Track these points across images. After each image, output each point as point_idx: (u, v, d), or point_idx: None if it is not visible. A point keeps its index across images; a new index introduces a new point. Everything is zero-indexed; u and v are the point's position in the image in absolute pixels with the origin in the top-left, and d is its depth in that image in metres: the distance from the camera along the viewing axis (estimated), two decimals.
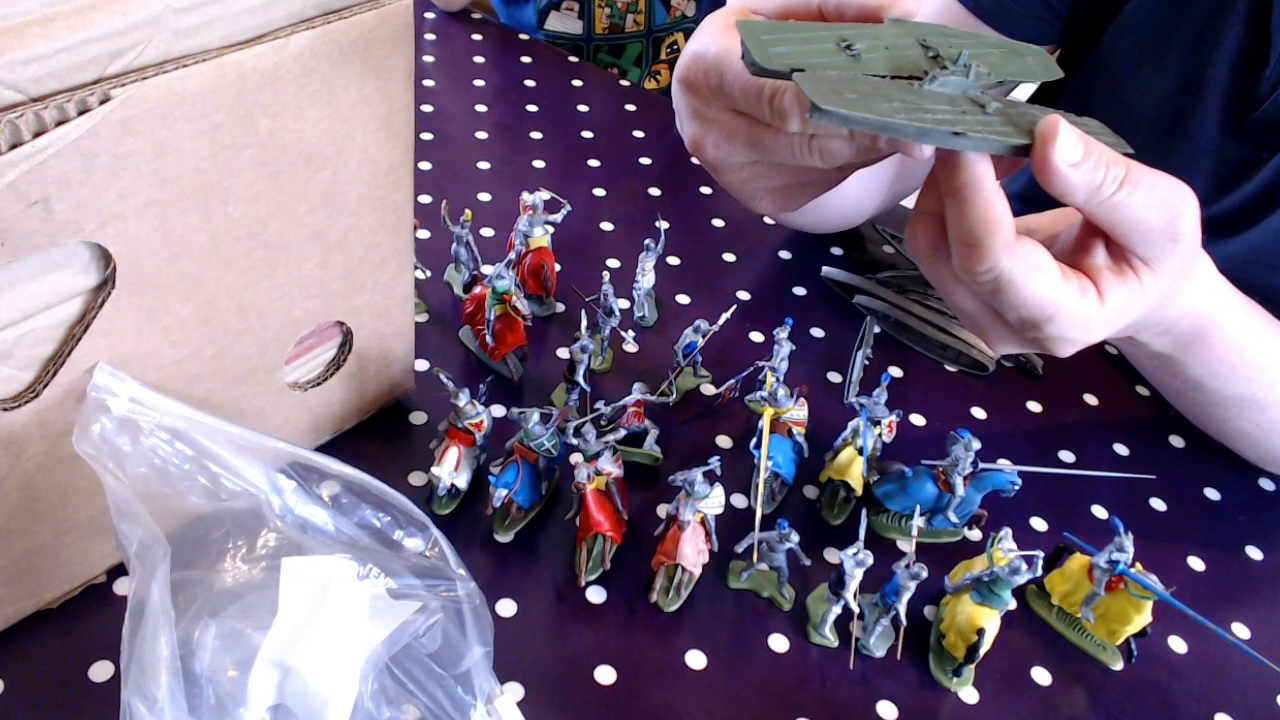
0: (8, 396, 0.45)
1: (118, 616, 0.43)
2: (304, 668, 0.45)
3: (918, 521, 0.61)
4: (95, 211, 0.42)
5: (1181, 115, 0.76)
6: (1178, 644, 0.64)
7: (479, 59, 1.05)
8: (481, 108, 0.98)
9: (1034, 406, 0.78)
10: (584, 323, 0.67)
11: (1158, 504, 0.72)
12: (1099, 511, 0.71)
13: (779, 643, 0.59)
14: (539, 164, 0.92)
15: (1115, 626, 0.60)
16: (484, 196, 0.87)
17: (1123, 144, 0.42)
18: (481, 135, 0.94)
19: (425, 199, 0.84)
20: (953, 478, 0.62)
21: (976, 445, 0.62)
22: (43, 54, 0.38)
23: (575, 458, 0.59)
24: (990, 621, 0.56)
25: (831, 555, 0.64)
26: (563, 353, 0.74)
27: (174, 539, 0.45)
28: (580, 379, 0.67)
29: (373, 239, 0.56)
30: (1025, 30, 0.77)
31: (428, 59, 1.03)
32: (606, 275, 0.72)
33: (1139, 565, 0.59)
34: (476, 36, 1.08)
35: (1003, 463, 0.72)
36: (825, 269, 0.84)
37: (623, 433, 0.64)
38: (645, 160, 0.95)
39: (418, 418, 0.68)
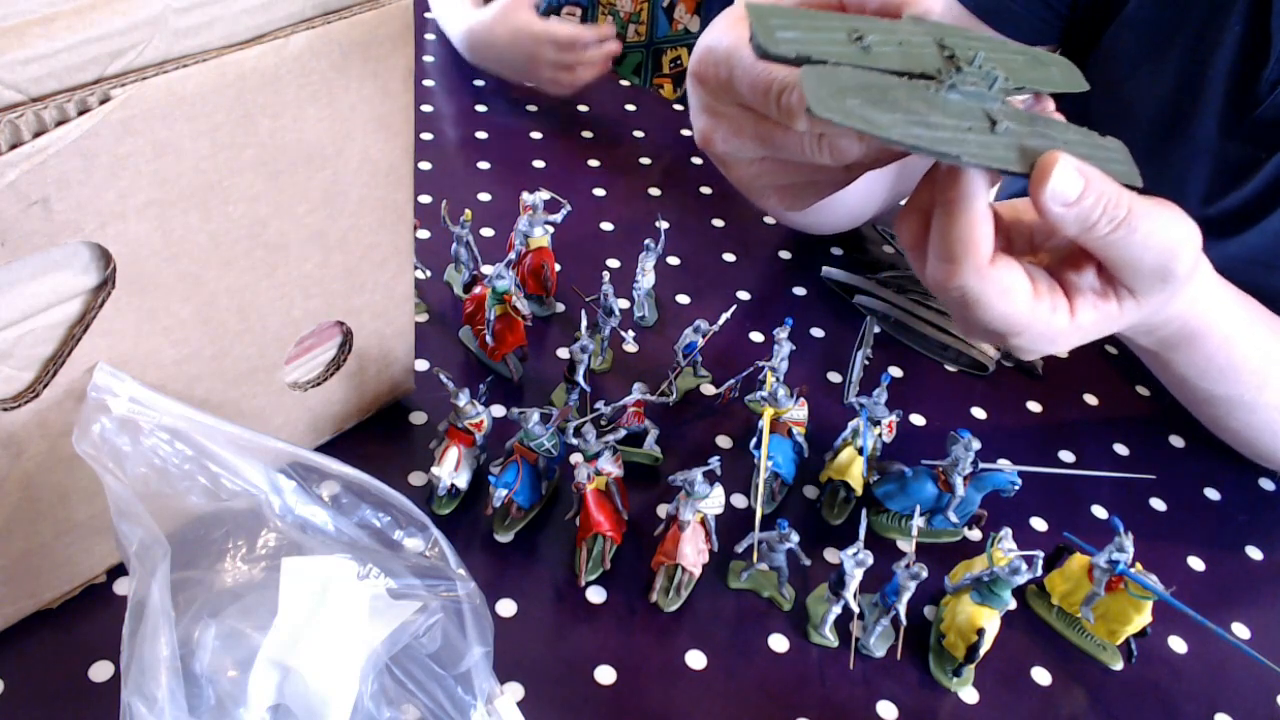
0: (8, 396, 0.45)
1: (118, 616, 0.43)
2: (304, 668, 0.45)
3: (918, 521, 0.61)
4: (95, 211, 0.42)
5: (1181, 115, 0.76)
6: (1178, 644, 0.64)
7: None
8: (481, 108, 0.98)
9: (1034, 406, 0.78)
10: (584, 323, 0.67)
11: (1158, 504, 0.72)
12: (1099, 511, 0.71)
13: (779, 643, 0.59)
14: (539, 164, 0.92)
15: (1115, 626, 0.60)
16: (484, 196, 0.87)
17: (1135, 175, 0.41)
18: (481, 135, 0.94)
19: (425, 199, 0.84)
20: (953, 478, 0.62)
21: (976, 445, 0.62)
22: (43, 54, 0.38)
23: (575, 458, 0.59)
24: (990, 621, 0.56)
25: (831, 555, 0.64)
26: (563, 353, 0.74)
27: (174, 539, 0.45)
28: (580, 379, 0.67)
29: (373, 239, 0.57)
30: (1025, 30, 0.77)
31: (428, 59, 1.03)
32: (606, 275, 0.72)
33: (1139, 565, 0.59)
34: None
35: (1003, 463, 0.72)
36: (825, 269, 0.84)
37: (623, 433, 0.64)
38: (645, 160, 0.95)
39: (418, 418, 0.68)
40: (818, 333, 0.80)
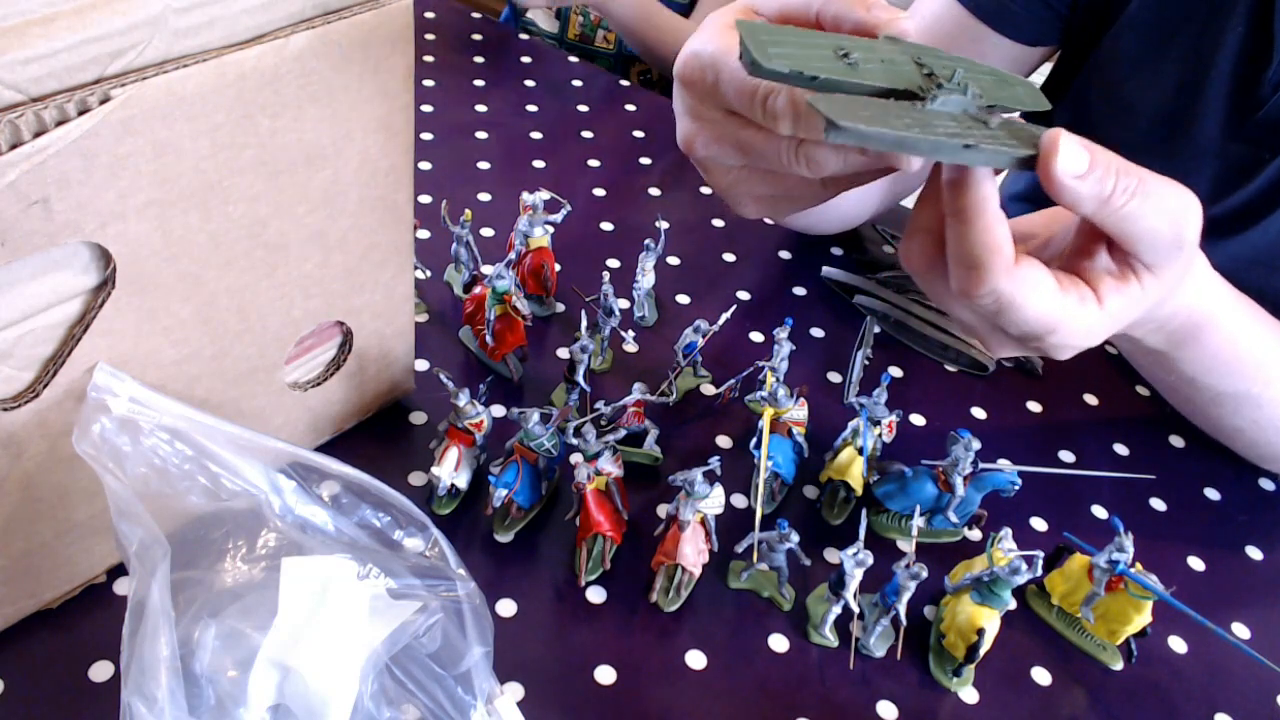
0: (8, 396, 0.45)
1: (118, 616, 0.43)
2: (304, 668, 0.45)
3: (918, 521, 0.61)
4: (95, 211, 0.42)
5: (1183, 116, 0.76)
6: (1178, 644, 0.64)
7: (479, 59, 1.05)
8: (481, 108, 0.98)
9: (1034, 406, 0.78)
10: (584, 323, 0.67)
11: (1158, 504, 0.72)
12: (1099, 511, 0.71)
13: (779, 643, 0.59)
14: (539, 164, 0.92)
15: (1115, 626, 0.60)
16: (484, 196, 0.87)
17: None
18: (481, 135, 0.94)
19: (425, 199, 0.84)
20: (953, 478, 0.62)
21: (976, 445, 0.62)
22: (43, 54, 0.38)
23: (575, 458, 0.59)
24: (990, 621, 0.56)
25: (831, 555, 0.64)
26: (563, 353, 0.74)
27: (174, 539, 0.45)
28: (580, 379, 0.67)
29: (373, 239, 0.57)
30: (1025, 31, 0.77)
31: (428, 59, 1.03)
32: (606, 275, 0.72)
33: (1139, 565, 0.59)
34: (476, 36, 1.08)
35: (1003, 463, 0.72)
36: (825, 269, 0.84)
37: (623, 433, 0.64)
38: (645, 160, 0.95)
39: (418, 418, 0.68)
40: (818, 333, 0.80)
